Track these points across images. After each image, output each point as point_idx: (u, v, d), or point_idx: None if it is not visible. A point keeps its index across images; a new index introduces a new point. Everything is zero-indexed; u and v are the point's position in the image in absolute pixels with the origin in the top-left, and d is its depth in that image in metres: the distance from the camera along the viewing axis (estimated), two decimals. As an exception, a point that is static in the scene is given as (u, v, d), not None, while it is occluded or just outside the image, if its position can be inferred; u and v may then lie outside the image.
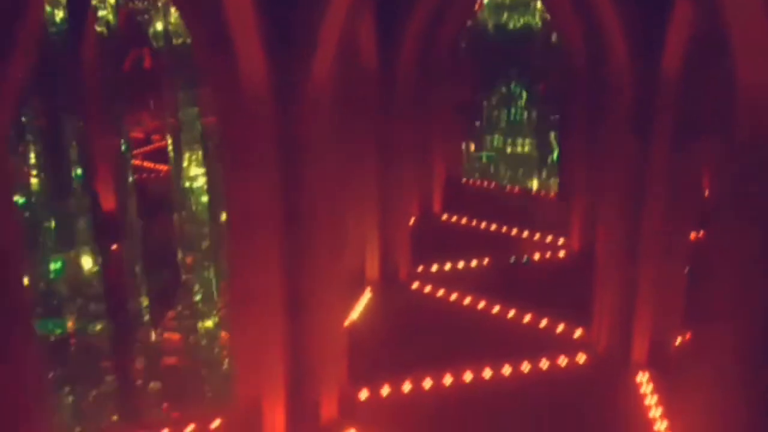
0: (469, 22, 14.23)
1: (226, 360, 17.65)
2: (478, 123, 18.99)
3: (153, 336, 17.98)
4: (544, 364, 7.25)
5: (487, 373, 7.10)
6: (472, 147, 18.84)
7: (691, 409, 4.46)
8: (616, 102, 7.07)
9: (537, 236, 11.32)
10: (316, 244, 6.15)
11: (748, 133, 3.32)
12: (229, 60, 5.54)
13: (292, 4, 5.30)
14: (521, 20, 21.48)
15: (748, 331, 3.58)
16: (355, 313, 8.53)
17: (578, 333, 7.87)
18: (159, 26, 20.52)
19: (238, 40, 5.38)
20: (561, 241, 10.97)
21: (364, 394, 6.81)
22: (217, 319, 18.31)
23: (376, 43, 8.71)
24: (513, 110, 20.71)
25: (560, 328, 8.02)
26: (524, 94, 20.34)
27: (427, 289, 9.27)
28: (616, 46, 6.73)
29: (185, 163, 19.73)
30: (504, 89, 20.31)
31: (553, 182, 15.87)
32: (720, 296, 3.84)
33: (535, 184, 18.03)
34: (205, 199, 19.15)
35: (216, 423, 6.50)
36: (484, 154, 19.14)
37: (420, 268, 9.87)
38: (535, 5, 20.80)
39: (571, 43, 10.95)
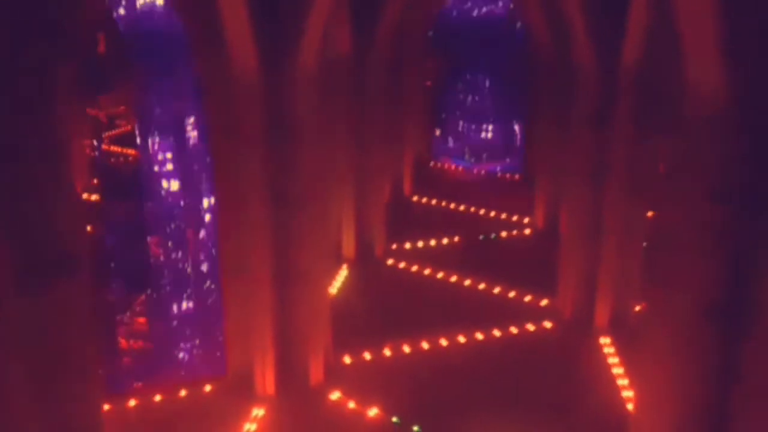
0: (436, 11, 14.66)
1: (197, 341, 17.91)
2: (444, 109, 19.44)
3: (123, 319, 18.13)
4: (514, 330, 7.80)
5: (461, 338, 7.62)
6: (438, 132, 19.26)
7: (648, 367, 4.95)
8: (579, 91, 7.60)
9: (503, 216, 11.89)
10: (303, 220, 6.54)
11: (696, 117, 3.79)
12: (220, 46, 5.87)
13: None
14: (484, 8, 21.99)
15: (698, 296, 4.05)
16: (334, 288, 8.94)
17: (545, 302, 8.43)
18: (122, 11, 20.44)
19: (229, 27, 5.69)
20: (526, 220, 11.55)
21: (347, 360, 7.26)
22: (187, 302, 18.51)
23: (350, 30, 9.08)
24: (477, 96, 21.21)
25: (528, 298, 8.58)
26: (487, 81, 20.85)
27: (402, 264, 9.73)
28: (578, 38, 7.24)
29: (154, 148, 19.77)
30: (469, 76, 20.80)
31: (516, 165, 16.47)
32: (673, 265, 4.29)
33: (498, 168, 18.58)
34: (175, 184, 19.22)
35: (208, 387, 6.86)
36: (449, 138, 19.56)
37: (394, 246, 10.32)
38: (499, -6, 21.15)
39: (535, 32, 11.48)
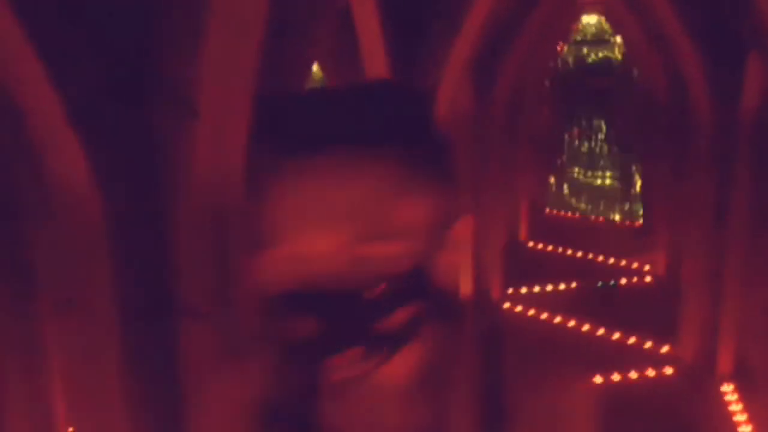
0: (552, 62, 15.04)
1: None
2: (559, 156, 19.62)
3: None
4: (634, 375, 7.87)
5: (580, 382, 7.75)
6: (552, 179, 19.48)
7: None
8: (695, 136, 7.72)
9: (623, 263, 11.86)
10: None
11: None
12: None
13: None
14: (600, 54, 22.10)
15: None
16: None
17: (665, 349, 8.43)
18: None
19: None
20: (647, 267, 11.47)
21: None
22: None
23: (472, 92, 9.64)
24: (593, 143, 21.18)
25: (648, 344, 8.60)
26: (604, 127, 20.83)
27: (518, 309, 9.98)
28: (694, 85, 7.42)
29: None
30: (584, 122, 20.87)
31: (636, 213, 16.31)
32: None
33: (617, 215, 18.51)
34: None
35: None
36: (565, 185, 19.68)
37: (510, 290, 10.59)
38: (615, 40, 21.37)
39: (650, 77, 11.59)
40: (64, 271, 3.27)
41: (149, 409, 3.33)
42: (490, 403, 1.20)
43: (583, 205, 20.35)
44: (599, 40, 21.40)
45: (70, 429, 4.91)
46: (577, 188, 19.22)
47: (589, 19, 18.37)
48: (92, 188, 2.86)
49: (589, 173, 19.56)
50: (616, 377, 7.81)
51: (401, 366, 0.95)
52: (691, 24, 7.15)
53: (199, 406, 3.31)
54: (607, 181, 19.98)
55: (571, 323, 9.38)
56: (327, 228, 0.81)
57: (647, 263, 11.50)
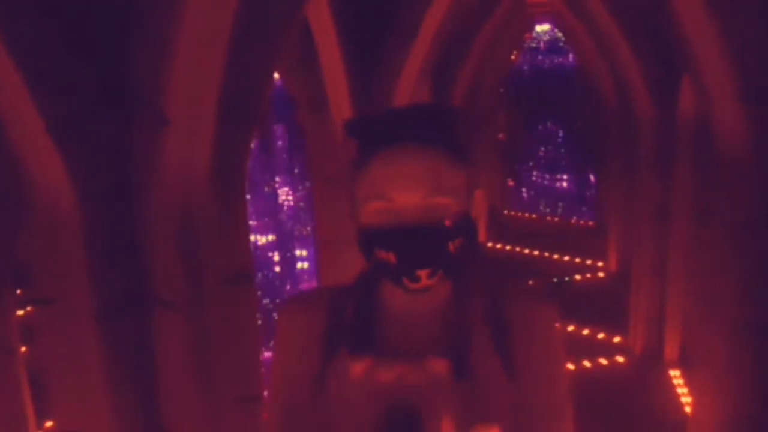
0: (507, 68, 15.49)
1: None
2: (517, 160, 20.12)
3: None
4: (587, 364, 8.26)
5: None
6: (511, 182, 19.95)
7: (699, 377, 5.29)
8: (641, 139, 8.15)
9: (577, 260, 12.32)
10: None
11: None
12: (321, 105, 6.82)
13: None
14: (555, 60, 22.69)
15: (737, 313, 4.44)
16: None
17: (617, 339, 8.84)
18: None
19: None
20: (600, 264, 11.95)
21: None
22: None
23: (430, 96, 9.98)
24: (550, 147, 21.71)
25: (601, 335, 9.01)
26: (560, 132, 21.40)
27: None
28: (635, 87, 7.86)
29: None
30: (541, 128, 21.42)
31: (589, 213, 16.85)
32: (714, 289, 4.70)
33: (573, 216, 19.00)
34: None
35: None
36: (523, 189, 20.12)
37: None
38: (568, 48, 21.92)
39: (598, 83, 12.08)
40: (42, 269, 3.47)
41: (128, 397, 3.54)
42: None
43: (541, 208, 20.82)
44: (553, 48, 21.97)
45: (48, 423, 5.07)
46: (536, 191, 19.75)
47: (543, 28, 18.91)
48: (68, 189, 3.08)
49: (547, 176, 20.10)
50: (571, 366, 8.18)
51: (443, 290, 1.45)
52: (631, 32, 7.58)
53: (175, 392, 3.54)
54: (564, 184, 20.54)
55: (529, 319, 9.73)
56: (412, 187, 1.31)
57: (601, 261, 11.97)
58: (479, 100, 12.98)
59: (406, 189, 1.30)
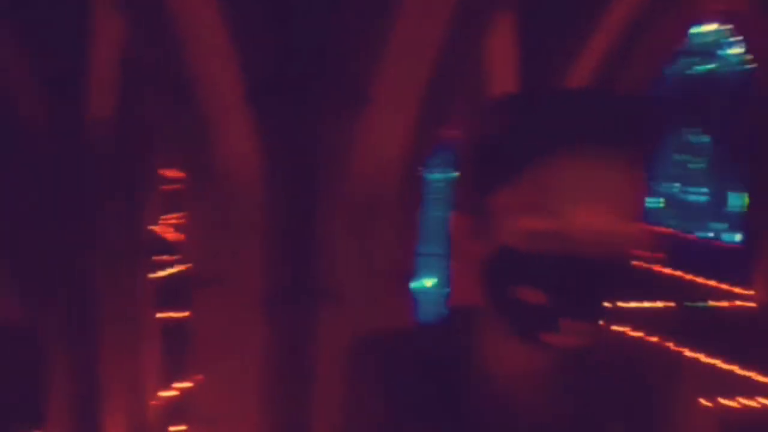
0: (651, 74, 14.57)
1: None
2: (657, 171, 19.06)
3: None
4: (734, 405, 7.56)
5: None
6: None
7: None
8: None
9: (723, 285, 11.37)
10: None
11: None
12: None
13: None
14: (704, 68, 21.27)
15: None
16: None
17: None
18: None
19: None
20: (750, 292, 10.97)
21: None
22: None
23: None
24: (691, 158, 20.54)
25: (753, 373, 8.23)
26: (704, 142, 20.11)
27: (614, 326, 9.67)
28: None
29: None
30: (683, 137, 20.21)
31: (735, 232, 15.68)
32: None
33: (711, 234, 17.86)
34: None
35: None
36: (659, 201, 19.15)
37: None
38: (725, 52, 20.63)
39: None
40: (212, 248, 3.32)
41: (282, 388, 3.35)
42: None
43: (674, 221, 19.69)
44: (701, 52, 20.62)
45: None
46: (674, 204, 18.61)
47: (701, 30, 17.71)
48: (255, 161, 2.88)
49: (688, 190, 18.91)
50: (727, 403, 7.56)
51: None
52: None
53: (332, 389, 3.30)
54: (702, 198, 19.28)
55: (670, 345, 9.04)
56: (602, 208, 0.91)
57: (750, 288, 10.98)
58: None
59: (593, 210, 0.91)
